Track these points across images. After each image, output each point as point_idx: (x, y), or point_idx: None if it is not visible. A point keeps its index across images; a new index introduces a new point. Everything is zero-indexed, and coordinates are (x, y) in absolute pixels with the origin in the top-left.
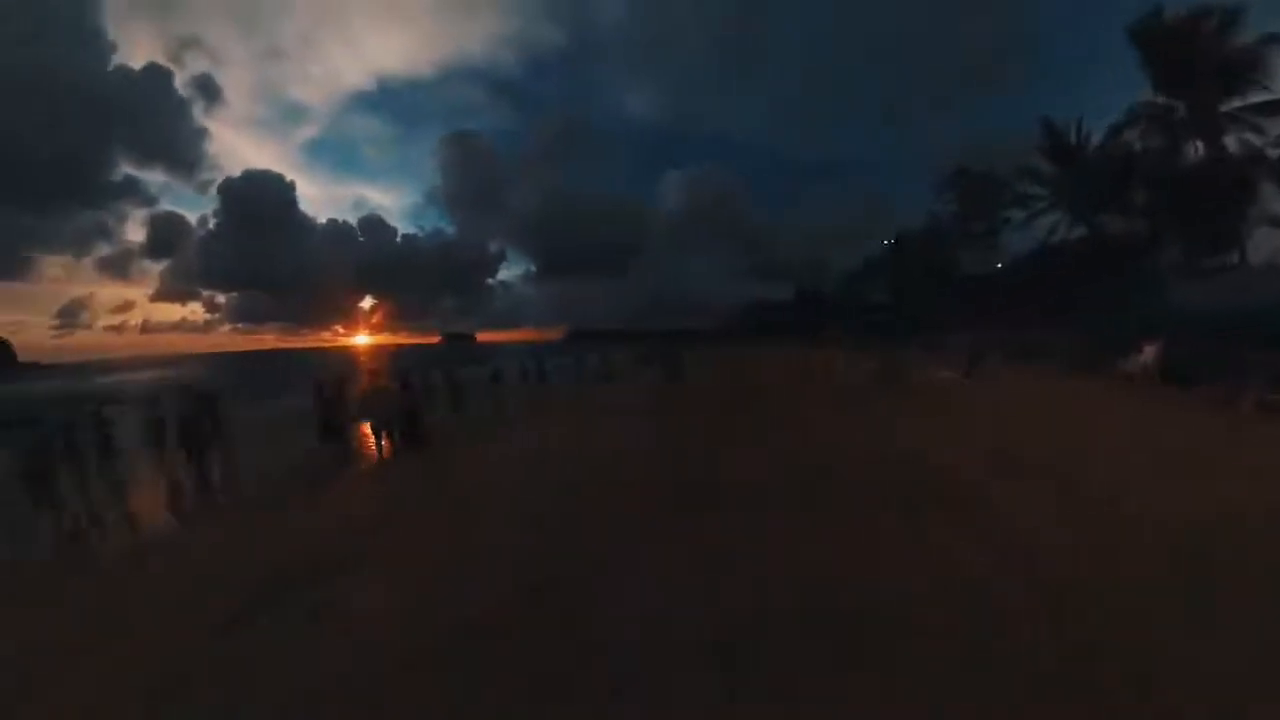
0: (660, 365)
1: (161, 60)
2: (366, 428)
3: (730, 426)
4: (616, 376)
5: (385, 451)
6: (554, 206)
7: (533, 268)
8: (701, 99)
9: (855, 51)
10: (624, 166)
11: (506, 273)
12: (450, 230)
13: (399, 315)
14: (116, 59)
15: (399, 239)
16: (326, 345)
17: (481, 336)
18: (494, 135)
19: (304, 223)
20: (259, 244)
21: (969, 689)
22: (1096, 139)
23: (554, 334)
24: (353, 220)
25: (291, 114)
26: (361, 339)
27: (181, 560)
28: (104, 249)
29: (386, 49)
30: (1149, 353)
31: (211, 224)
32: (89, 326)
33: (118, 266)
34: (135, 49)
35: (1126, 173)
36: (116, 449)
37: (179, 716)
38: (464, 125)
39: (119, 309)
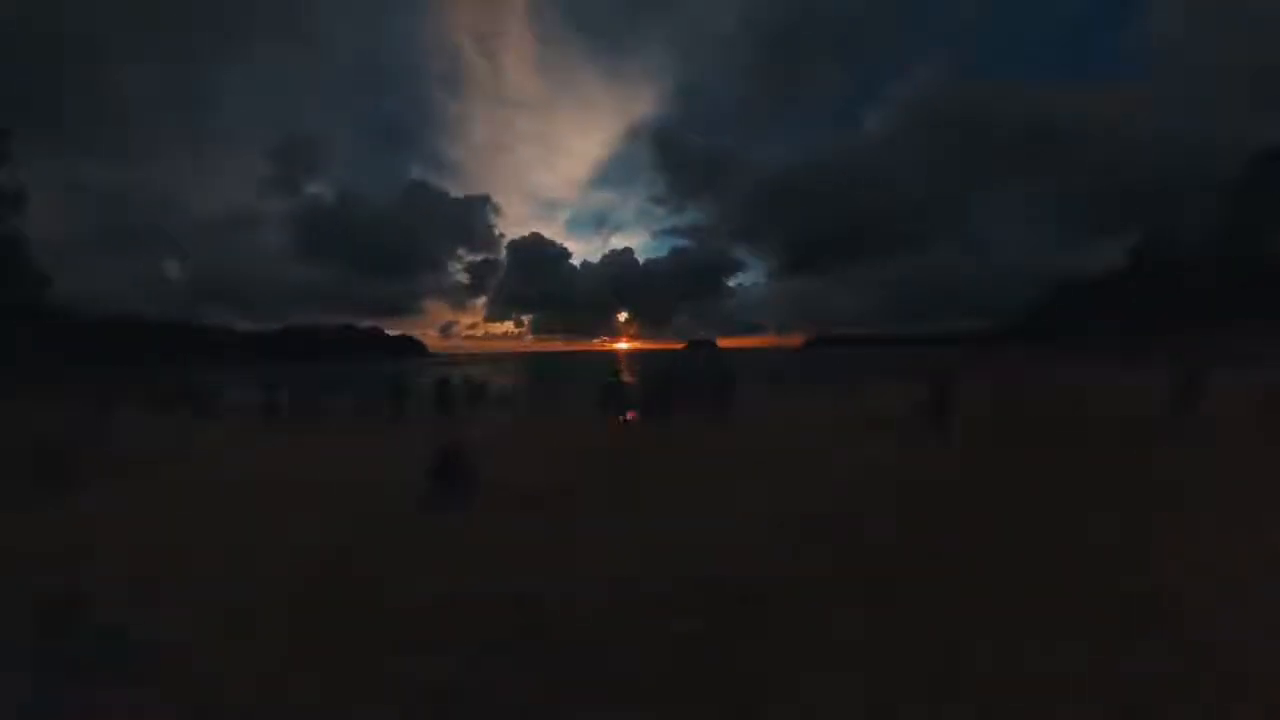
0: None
1: (469, 193)
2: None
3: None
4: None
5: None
6: (769, 188)
7: (775, 265)
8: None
9: None
10: (826, 126)
11: (744, 277)
12: (681, 247)
13: (648, 326)
14: (452, 196)
15: (642, 264)
16: (596, 349)
17: (723, 342)
18: (691, 134)
19: (572, 268)
20: (542, 282)
21: None
22: None
23: (794, 340)
24: (605, 259)
25: (550, 207)
26: (621, 345)
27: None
28: (456, 293)
29: (593, 140)
30: None
31: (503, 271)
32: (456, 336)
33: (459, 302)
34: (457, 189)
35: None
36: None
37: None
38: (658, 180)
39: (469, 326)
